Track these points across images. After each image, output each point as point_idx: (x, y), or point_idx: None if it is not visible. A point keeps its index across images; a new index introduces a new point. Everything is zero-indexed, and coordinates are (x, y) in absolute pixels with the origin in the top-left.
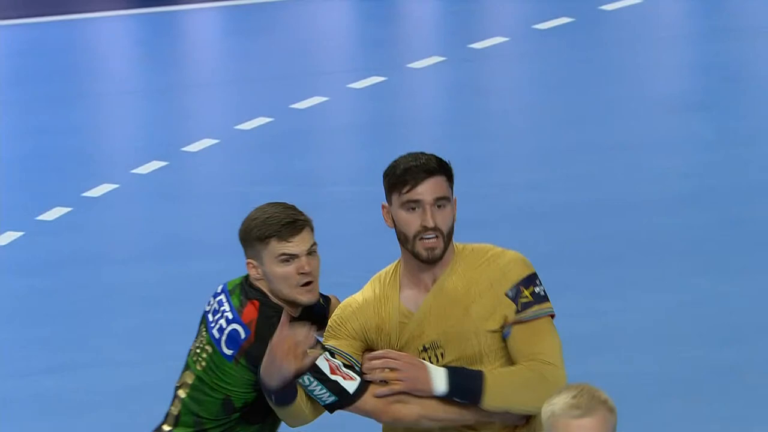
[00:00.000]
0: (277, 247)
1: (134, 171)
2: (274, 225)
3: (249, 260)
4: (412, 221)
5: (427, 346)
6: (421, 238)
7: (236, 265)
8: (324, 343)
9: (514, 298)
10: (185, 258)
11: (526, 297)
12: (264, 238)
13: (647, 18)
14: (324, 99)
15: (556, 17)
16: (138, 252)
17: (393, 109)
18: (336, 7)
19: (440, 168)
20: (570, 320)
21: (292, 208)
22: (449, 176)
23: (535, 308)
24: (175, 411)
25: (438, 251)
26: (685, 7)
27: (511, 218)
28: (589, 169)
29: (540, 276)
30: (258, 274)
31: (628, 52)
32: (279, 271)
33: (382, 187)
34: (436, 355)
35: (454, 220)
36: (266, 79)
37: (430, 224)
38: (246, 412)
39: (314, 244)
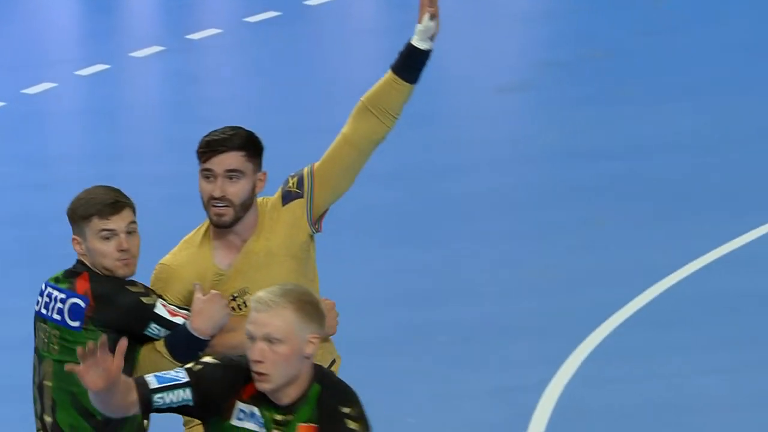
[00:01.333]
0: (99, 224)
1: None
2: (97, 204)
3: (74, 237)
4: (206, 189)
5: (235, 294)
6: (213, 206)
7: None
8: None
9: (288, 195)
10: None
11: (292, 179)
12: (87, 216)
13: (347, 13)
14: (53, 85)
15: (265, 11)
16: None
17: (117, 95)
18: None
19: (241, 144)
20: None
21: (116, 190)
22: (251, 152)
23: (304, 170)
24: (48, 401)
25: (226, 218)
26: (381, 2)
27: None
28: (295, 150)
29: None
30: (82, 249)
31: (330, 43)
32: (100, 247)
33: (108, 167)
34: (244, 301)
35: (253, 193)
36: None
37: (217, 194)
38: None
39: (133, 223)
